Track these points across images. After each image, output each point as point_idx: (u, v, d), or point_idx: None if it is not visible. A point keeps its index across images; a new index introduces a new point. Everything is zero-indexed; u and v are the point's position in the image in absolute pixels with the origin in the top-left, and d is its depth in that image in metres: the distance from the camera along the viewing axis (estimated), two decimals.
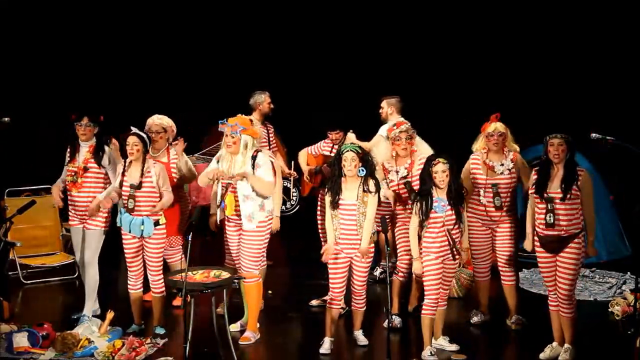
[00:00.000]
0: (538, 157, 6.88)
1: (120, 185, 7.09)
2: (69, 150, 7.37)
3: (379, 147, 7.68)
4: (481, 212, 7.18)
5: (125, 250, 7.20)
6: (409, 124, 7.39)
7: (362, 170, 6.66)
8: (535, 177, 6.60)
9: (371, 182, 6.68)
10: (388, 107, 8.47)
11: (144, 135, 7.10)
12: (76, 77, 11.55)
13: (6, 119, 7.29)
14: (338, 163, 6.72)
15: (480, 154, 7.23)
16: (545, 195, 6.49)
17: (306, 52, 11.89)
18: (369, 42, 11.80)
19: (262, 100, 8.81)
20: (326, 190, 6.82)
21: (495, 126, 7.15)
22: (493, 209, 7.16)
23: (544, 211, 6.50)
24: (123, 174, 7.08)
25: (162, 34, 12.00)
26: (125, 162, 7.10)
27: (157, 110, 7.87)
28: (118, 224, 7.17)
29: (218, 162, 7.00)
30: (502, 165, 7.15)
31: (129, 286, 7.28)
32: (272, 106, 8.86)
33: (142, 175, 7.02)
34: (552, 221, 6.47)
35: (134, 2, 11.91)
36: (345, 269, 6.83)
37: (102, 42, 11.81)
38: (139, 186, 7.00)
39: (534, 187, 6.58)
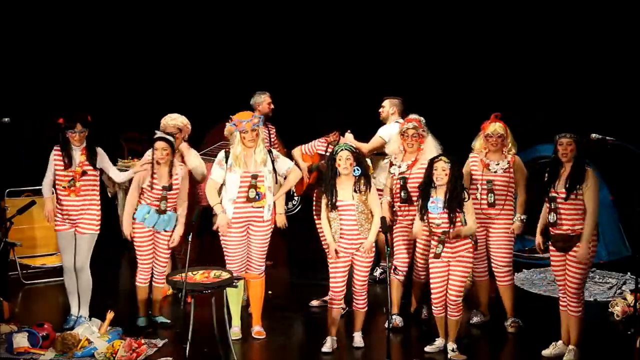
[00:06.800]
0: (539, 157, 6.88)
1: (151, 187, 7.18)
2: (60, 155, 7.21)
3: (391, 140, 7.67)
4: (477, 209, 7.17)
5: (140, 244, 7.30)
6: (423, 121, 7.36)
7: (357, 170, 6.67)
8: (545, 176, 6.62)
9: (362, 182, 6.68)
10: (390, 107, 8.46)
11: (171, 139, 7.23)
12: (77, 77, 11.56)
13: (6, 119, 7.29)
14: (332, 164, 6.72)
15: (479, 153, 7.25)
16: (549, 194, 6.52)
17: (306, 52, 11.88)
18: (369, 43, 11.80)
19: (262, 100, 8.83)
20: (321, 192, 6.81)
21: (494, 127, 7.16)
22: (486, 206, 7.17)
23: (548, 210, 6.55)
24: (152, 177, 7.17)
25: (162, 34, 12.00)
26: (152, 165, 7.19)
27: (157, 111, 7.87)
28: (146, 224, 7.21)
29: (225, 164, 6.97)
30: (498, 164, 7.17)
31: (139, 279, 7.39)
32: (272, 107, 8.88)
33: (170, 177, 7.18)
34: (554, 220, 6.50)
35: (136, 3, 11.91)
36: (346, 269, 6.84)
37: (104, 42, 11.82)
38: (169, 188, 7.17)
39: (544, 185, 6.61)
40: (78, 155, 7.22)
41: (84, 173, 7.21)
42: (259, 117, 7.06)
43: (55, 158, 7.25)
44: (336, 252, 6.73)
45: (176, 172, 7.24)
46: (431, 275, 6.76)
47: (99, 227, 7.35)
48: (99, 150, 7.31)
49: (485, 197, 7.16)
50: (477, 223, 7.05)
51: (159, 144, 7.17)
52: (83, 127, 7.18)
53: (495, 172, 7.17)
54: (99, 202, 7.36)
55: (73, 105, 10.27)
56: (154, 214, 7.21)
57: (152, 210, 7.20)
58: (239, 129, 6.93)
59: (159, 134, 7.28)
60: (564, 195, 6.46)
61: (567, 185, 6.45)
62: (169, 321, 7.48)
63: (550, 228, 6.58)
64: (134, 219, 7.26)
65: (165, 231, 7.29)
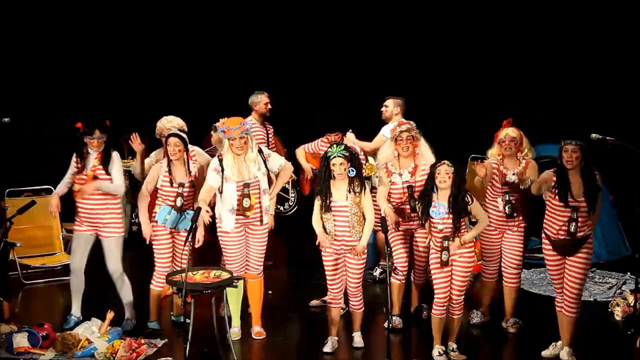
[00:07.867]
0: (539, 157, 6.88)
1: (165, 185, 7.12)
2: (77, 159, 7.22)
3: (383, 147, 7.64)
4: (494, 216, 7.17)
5: (160, 247, 7.20)
6: (413, 124, 7.31)
7: (352, 171, 6.64)
8: (554, 182, 6.57)
9: (356, 183, 6.65)
10: (394, 107, 8.42)
11: (184, 135, 7.14)
12: (77, 77, 11.56)
13: (6, 119, 7.28)
14: (326, 166, 6.69)
15: (497, 160, 7.19)
16: (571, 203, 6.49)
17: (306, 52, 11.88)
18: (370, 43, 11.80)
19: (259, 100, 8.80)
20: (315, 193, 6.79)
21: (506, 132, 7.11)
22: (505, 217, 7.16)
23: (564, 218, 6.51)
24: (168, 174, 7.11)
25: (162, 35, 11.99)
26: (167, 162, 7.12)
27: (157, 111, 7.85)
28: (167, 225, 7.14)
29: (222, 171, 6.86)
30: (514, 174, 7.10)
31: (156, 283, 7.27)
32: (269, 107, 8.83)
33: (184, 174, 7.12)
34: (574, 230, 6.50)
35: (134, 3, 11.91)
36: (342, 269, 6.83)
37: (104, 43, 11.82)
38: (184, 185, 7.11)
39: (554, 190, 6.56)
40: (92, 158, 7.18)
41: (95, 178, 7.14)
42: (248, 124, 6.92)
43: (73, 161, 7.24)
44: (324, 242, 6.68)
45: (190, 169, 7.16)
46: (435, 280, 6.71)
47: (123, 230, 7.30)
48: (114, 155, 7.23)
49: (503, 208, 7.14)
50: (492, 225, 7.13)
51: (172, 140, 7.07)
52: (101, 134, 7.14)
53: (513, 182, 7.11)
54: (120, 206, 7.30)
55: (72, 105, 10.31)
56: (174, 214, 7.12)
57: (173, 210, 7.13)
58: (227, 136, 6.82)
59: (173, 130, 7.20)
60: (585, 205, 6.48)
61: (588, 197, 6.46)
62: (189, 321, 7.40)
63: (554, 234, 6.57)
64: (155, 221, 7.16)
65: (185, 230, 7.12)
